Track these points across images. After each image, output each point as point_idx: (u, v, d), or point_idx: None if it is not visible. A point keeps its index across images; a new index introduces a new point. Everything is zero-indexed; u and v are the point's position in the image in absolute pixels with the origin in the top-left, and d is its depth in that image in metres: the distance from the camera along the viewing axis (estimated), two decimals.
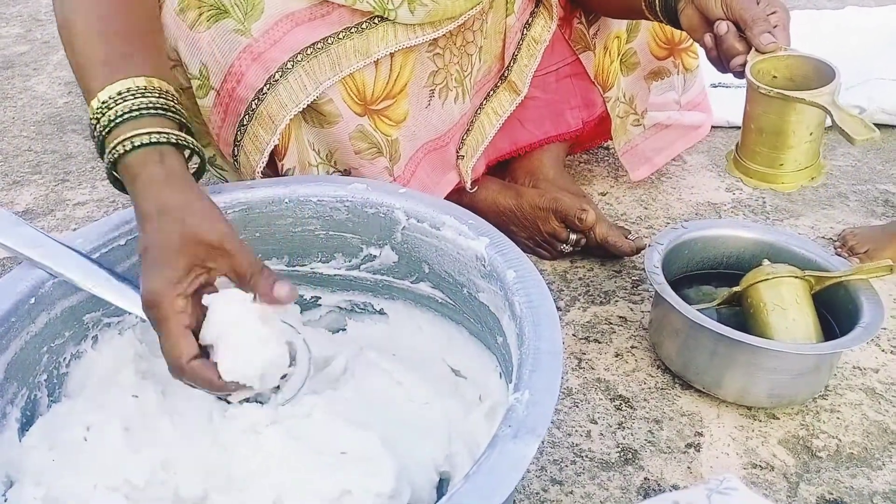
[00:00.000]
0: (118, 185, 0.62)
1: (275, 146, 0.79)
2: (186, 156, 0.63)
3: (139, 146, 0.59)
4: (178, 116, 0.62)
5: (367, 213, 0.72)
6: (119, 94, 0.60)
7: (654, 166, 1.18)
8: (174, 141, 0.60)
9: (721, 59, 0.78)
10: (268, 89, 0.76)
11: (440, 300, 0.73)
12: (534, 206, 1.02)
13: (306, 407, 0.62)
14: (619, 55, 1.08)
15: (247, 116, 0.77)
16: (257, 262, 0.60)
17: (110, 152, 0.59)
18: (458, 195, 1.01)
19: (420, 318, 0.76)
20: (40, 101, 1.56)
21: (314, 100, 0.78)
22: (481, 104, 1.02)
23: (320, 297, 0.78)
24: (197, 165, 0.66)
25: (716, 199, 1.19)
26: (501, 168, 1.14)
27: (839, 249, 1.06)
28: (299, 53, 0.76)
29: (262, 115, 0.77)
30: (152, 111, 0.60)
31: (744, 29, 0.76)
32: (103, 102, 0.60)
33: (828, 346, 0.75)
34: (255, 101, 0.76)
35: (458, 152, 0.99)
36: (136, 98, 0.60)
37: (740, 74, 0.75)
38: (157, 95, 0.61)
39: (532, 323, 0.57)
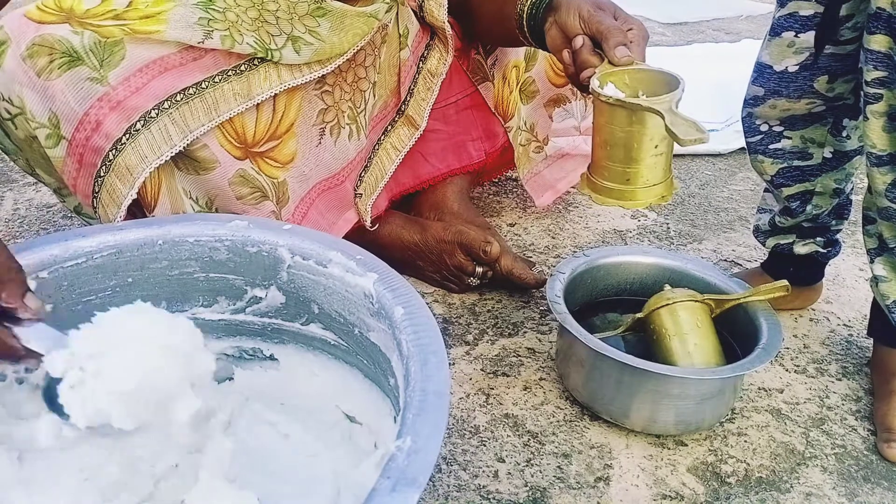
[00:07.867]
0: None
1: (143, 198, 0.74)
2: None
3: None
4: None
5: (248, 253, 0.67)
6: None
7: (557, 192, 1.18)
8: None
9: (577, 75, 0.77)
10: (127, 139, 0.71)
11: (332, 342, 0.69)
12: (439, 239, 0.99)
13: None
14: (517, 84, 1.08)
15: (104, 168, 0.71)
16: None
17: None
18: (360, 231, 0.98)
19: (312, 362, 0.71)
20: None
21: (186, 146, 0.74)
22: (379, 140, 0.99)
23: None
24: None
25: (621, 226, 1.19)
26: (406, 202, 1.11)
27: None
28: (167, 100, 0.72)
29: (120, 167, 0.71)
30: None
31: (600, 42, 0.75)
32: None
33: (728, 370, 0.75)
34: (113, 151, 0.71)
35: (355, 190, 0.96)
36: None
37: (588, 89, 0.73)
38: None
39: (420, 362, 0.53)
